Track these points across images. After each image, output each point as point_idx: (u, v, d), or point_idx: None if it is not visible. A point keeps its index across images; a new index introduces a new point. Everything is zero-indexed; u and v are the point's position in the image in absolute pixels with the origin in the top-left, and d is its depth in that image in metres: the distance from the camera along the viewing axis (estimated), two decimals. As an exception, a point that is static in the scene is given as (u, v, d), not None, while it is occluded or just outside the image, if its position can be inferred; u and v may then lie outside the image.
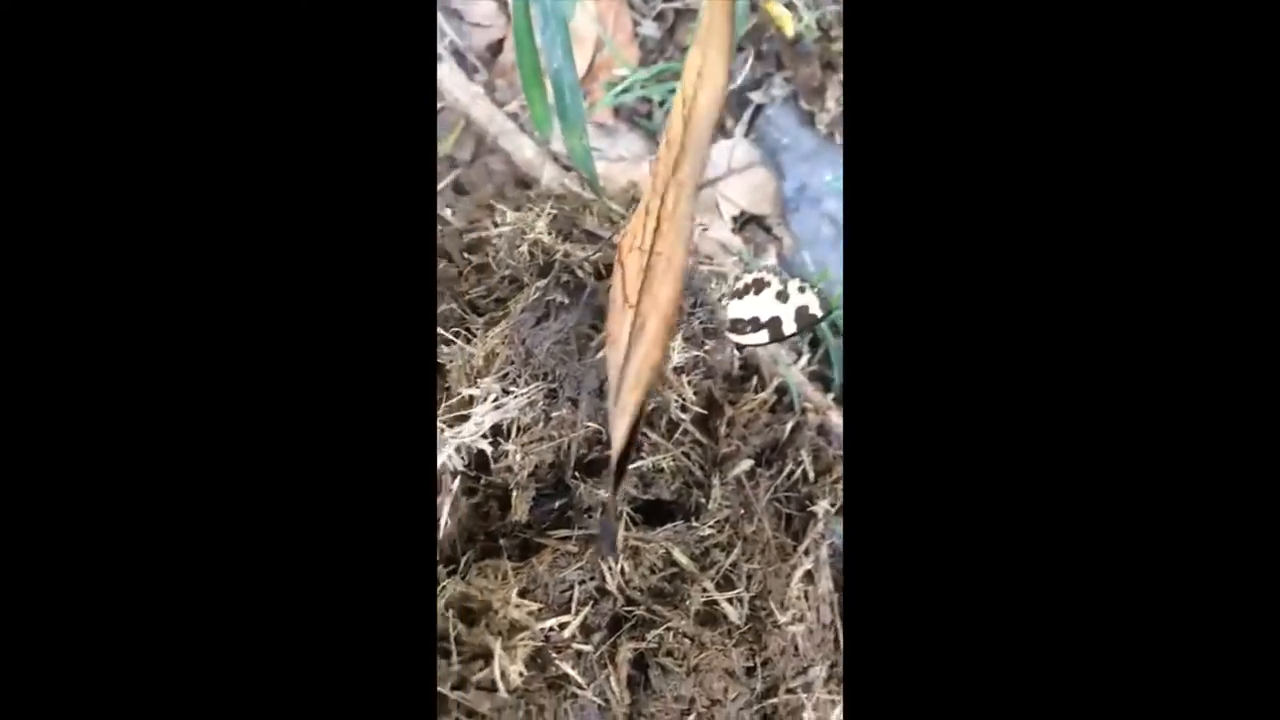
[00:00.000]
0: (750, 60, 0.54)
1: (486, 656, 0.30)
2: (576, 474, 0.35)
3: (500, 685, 0.30)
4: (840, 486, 0.40)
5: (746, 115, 0.52)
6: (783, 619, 0.36)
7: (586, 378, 0.34)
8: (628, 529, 0.35)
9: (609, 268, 0.35)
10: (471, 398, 0.34)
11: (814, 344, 0.47)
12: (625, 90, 0.49)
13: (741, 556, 0.37)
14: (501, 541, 0.35)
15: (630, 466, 0.37)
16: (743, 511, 0.38)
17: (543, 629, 0.32)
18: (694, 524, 0.37)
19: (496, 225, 0.37)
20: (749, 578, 0.37)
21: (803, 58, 0.54)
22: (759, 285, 0.35)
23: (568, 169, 0.47)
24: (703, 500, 0.38)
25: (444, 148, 0.49)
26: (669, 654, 0.34)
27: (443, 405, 0.34)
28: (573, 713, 0.32)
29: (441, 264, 0.39)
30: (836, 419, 0.44)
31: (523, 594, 0.33)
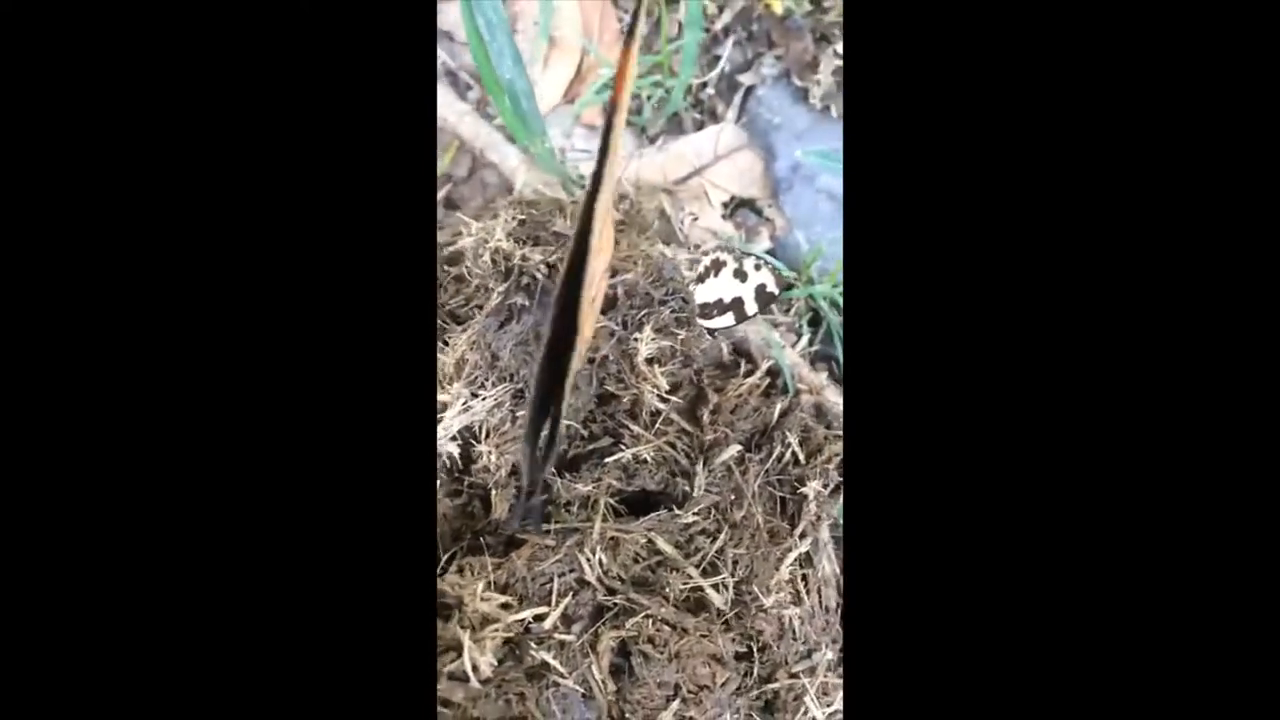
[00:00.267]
0: (729, 44, 0.53)
1: (459, 649, 0.31)
2: (554, 470, 0.36)
3: (471, 676, 0.31)
4: (831, 467, 0.39)
5: (737, 99, 0.52)
6: (767, 602, 0.36)
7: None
8: (605, 520, 0.36)
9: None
10: (445, 404, 0.36)
11: (814, 323, 0.46)
12: (606, 87, 0.50)
13: (729, 542, 0.37)
14: (485, 539, 0.36)
15: (610, 459, 0.37)
16: (733, 498, 0.38)
17: (517, 621, 0.33)
18: (677, 512, 0.37)
19: (462, 236, 0.38)
20: (734, 563, 0.36)
21: (793, 33, 0.53)
22: (717, 266, 0.35)
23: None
24: (688, 489, 0.38)
25: (441, 165, 0.51)
26: (650, 641, 0.34)
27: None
28: (555, 701, 0.33)
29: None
30: (834, 398, 0.43)
31: (503, 589, 0.34)
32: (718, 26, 0.54)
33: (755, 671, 0.37)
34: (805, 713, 0.37)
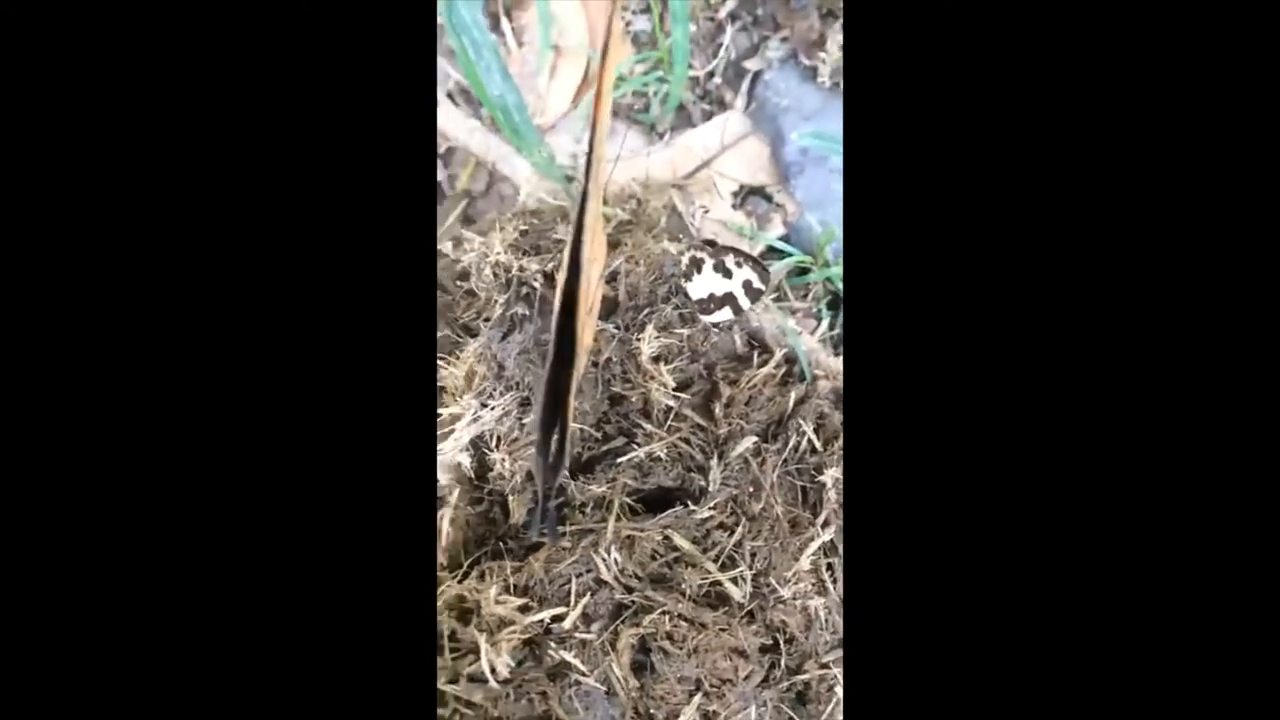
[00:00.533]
0: (732, 31, 0.52)
1: (477, 651, 0.32)
2: (568, 472, 0.37)
3: (490, 677, 0.32)
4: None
5: (744, 86, 0.51)
6: (785, 594, 0.35)
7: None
8: (620, 519, 0.36)
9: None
10: (456, 416, 0.37)
11: (832, 305, 0.45)
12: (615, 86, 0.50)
13: (747, 535, 0.37)
14: (506, 544, 0.37)
15: (624, 459, 0.38)
16: (751, 490, 0.38)
17: (536, 622, 0.34)
18: (693, 508, 0.37)
19: (467, 251, 0.39)
20: (753, 555, 0.36)
21: (798, 12, 0.52)
22: (697, 264, 0.35)
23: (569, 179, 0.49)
24: (704, 484, 0.38)
25: (461, 183, 0.53)
26: (668, 637, 0.34)
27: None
28: (578, 699, 0.34)
29: (441, 295, 0.42)
30: (854, 382, 0.42)
31: (523, 591, 0.35)
32: (722, 14, 0.53)
33: (783, 663, 0.36)
34: (837, 703, 0.36)
